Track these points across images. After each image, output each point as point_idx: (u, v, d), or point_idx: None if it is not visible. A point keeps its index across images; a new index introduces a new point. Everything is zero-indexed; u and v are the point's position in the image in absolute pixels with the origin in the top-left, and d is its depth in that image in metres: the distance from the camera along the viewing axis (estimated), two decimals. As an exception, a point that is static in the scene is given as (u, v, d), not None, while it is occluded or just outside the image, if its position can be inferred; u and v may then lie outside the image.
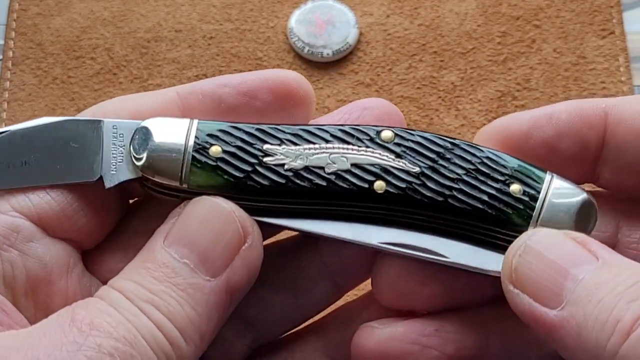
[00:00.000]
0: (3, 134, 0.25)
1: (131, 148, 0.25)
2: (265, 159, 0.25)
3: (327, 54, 0.50)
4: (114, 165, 0.26)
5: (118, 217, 0.27)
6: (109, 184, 0.26)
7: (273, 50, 0.51)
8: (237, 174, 0.25)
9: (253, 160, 0.25)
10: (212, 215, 0.24)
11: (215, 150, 0.25)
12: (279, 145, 0.25)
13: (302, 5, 0.52)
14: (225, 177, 0.25)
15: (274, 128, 0.26)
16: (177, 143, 0.25)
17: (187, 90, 0.26)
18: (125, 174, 0.26)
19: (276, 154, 0.25)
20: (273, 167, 0.25)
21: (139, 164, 0.25)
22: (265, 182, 0.25)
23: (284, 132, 0.25)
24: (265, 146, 0.25)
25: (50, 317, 0.23)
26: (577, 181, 0.25)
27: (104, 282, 0.24)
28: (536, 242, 0.22)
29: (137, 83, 0.50)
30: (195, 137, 0.25)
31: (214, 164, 0.25)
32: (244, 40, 0.51)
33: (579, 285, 0.20)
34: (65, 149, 0.25)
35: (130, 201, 0.29)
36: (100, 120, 0.26)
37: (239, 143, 0.25)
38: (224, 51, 0.51)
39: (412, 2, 0.52)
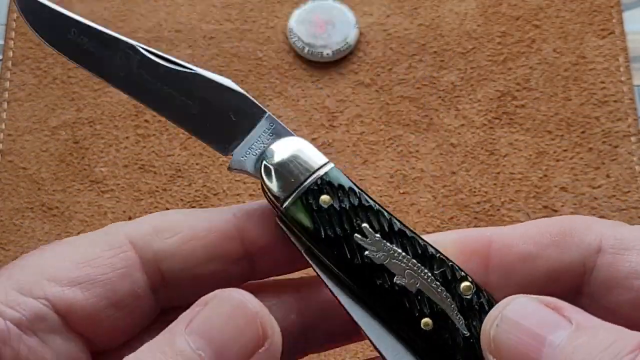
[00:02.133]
0: (187, 70, 0.27)
1: (267, 151, 0.27)
2: (355, 234, 0.26)
3: (327, 54, 0.50)
4: (247, 153, 0.27)
5: (140, 328, 0.28)
6: (233, 165, 0.27)
7: (273, 50, 0.51)
8: (327, 232, 0.26)
9: (347, 229, 0.26)
10: (235, 313, 0.24)
11: (325, 199, 0.26)
12: (375, 231, 0.26)
13: (302, 5, 0.52)
14: (316, 226, 0.26)
15: (380, 213, 0.26)
16: (302, 172, 0.26)
17: (243, 210, 0.27)
18: (250, 167, 0.27)
19: (367, 237, 0.26)
20: (358, 243, 0.26)
21: (264, 165, 0.26)
22: (341, 252, 0.26)
23: (385, 224, 0.26)
24: (364, 224, 0.26)
25: None
26: None
27: None
28: (513, 312, 0.23)
29: (137, 83, 0.50)
30: (320, 177, 0.26)
31: (315, 208, 0.26)
32: (244, 40, 0.51)
33: (557, 351, 0.21)
34: (223, 114, 0.27)
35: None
36: (265, 112, 0.27)
37: (347, 206, 0.26)
38: (224, 51, 0.51)
39: (412, 2, 0.52)
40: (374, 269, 0.26)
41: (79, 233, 0.47)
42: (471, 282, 0.25)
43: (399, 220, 0.26)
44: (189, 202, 0.47)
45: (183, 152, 0.48)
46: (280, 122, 0.27)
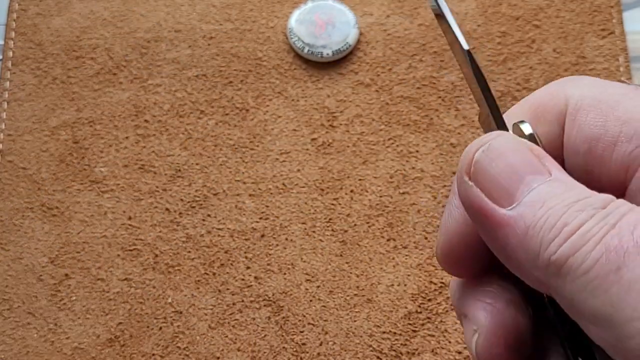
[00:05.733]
0: None
1: None
2: None
3: (327, 54, 0.50)
4: None
5: None
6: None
7: (273, 50, 0.51)
8: None
9: None
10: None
11: None
12: None
13: (302, 5, 0.52)
14: None
15: None
16: None
17: None
18: None
19: None
20: None
21: None
22: None
23: None
24: None
25: None
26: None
27: None
28: (501, 144, 0.23)
29: (137, 83, 0.50)
30: None
31: None
32: (244, 40, 0.51)
33: (533, 191, 0.22)
34: None
35: None
36: None
37: None
38: (224, 51, 0.51)
39: (412, 2, 0.52)
40: None
41: (79, 233, 0.47)
42: None
43: None
44: (189, 202, 0.47)
45: (183, 152, 0.48)
46: None
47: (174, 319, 0.45)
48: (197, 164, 0.48)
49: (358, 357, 0.43)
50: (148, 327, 0.45)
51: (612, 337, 0.19)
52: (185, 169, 0.48)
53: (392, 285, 0.45)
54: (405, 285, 0.45)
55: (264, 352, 0.44)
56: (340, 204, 0.47)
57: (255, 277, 0.45)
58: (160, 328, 0.45)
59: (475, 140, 0.23)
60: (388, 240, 0.46)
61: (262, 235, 0.46)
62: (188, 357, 0.44)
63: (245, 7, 0.52)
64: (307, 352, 0.44)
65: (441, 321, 0.44)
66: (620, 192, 0.23)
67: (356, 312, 0.44)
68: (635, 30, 0.51)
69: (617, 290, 0.19)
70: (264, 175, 0.48)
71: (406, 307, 0.45)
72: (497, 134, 0.23)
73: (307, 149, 0.48)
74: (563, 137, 0.24)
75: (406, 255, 0.46)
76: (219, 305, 0.45)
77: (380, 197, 0.47)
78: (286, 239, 0.46)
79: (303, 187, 0.47)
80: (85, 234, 0.47)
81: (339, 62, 0.51)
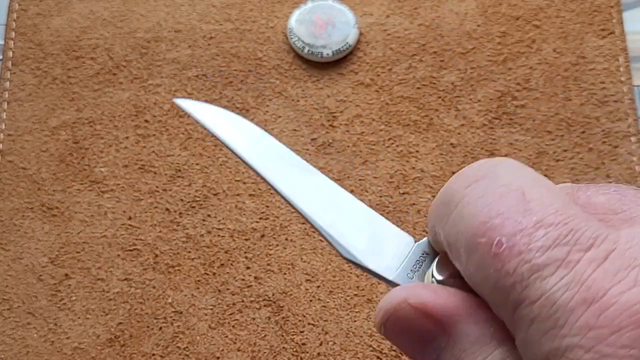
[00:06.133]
0: None
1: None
2: None
3: (327, 54, 0.50)
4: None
5: None
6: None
7: (273, 50, 0.51)
8: None
9: None
10: None
11: None
12: None
13: (302, 5, 0.52)
14: None
15: None
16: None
17: None
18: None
19: None
20: None
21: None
22: None
23: None
24: None
25: None
26: None
27: None
28: (395, 322, 0.22)
29: (137, 83, 0.50)
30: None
31: None
32: (244, 40, 0.51)
33: None
34: None
35: None
36: None
37: None
38: (224, 51, 0.51)
39: (412, 2, 0.52)
40: None
41: (79, 233, 0.47)
42: None
43: None
44: (189, 202, 0.47)
45: (183, 152, 0.49)
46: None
47: (174, 319, 0.45)
48: (197, 164, 0.48)
49: (358, 357, 0.43)
50: (148, 327, 0.45)
51: None
52: (185, 169, 0.48)
53: (392, 285, 0.45)
54: (405, 285, 0.45)
55: (264, 352, 0.44)
56: (340, 204, 0.47)
57: (255, 277, 0.45)
58: (160, 328, 0.45)
59: (379, 311, 0.23)
60: (388, 240, 0.46)
61: (262, 235, 0.46)
62: (188, 357, 0.44)
63: (245, 7, 0.52)
64: (307, 352, 0.44)
65: (441, 321, 0.44)
66: None
67: (356, 312, 0.45)
68: (635, 30, 0.51)
69: None
70: (264, 175, 0.48)
71: (406, 307, 0.45)
72: (388, 315, 0.22)
73: (307, 149, 0.48)
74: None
75: (406, 255, 0.46)
76: (219, 305, 0.45)
77: (380, 197, 0.47)
78: (286, 239, 0.46)
79: (303, 187, 0.47)
80: (85, 234, 0.47)
81: (339, 62, 0.51)
